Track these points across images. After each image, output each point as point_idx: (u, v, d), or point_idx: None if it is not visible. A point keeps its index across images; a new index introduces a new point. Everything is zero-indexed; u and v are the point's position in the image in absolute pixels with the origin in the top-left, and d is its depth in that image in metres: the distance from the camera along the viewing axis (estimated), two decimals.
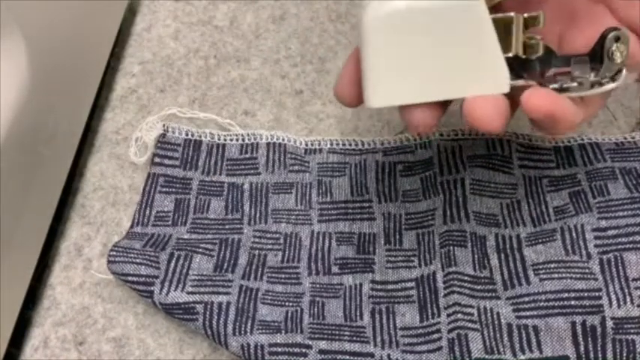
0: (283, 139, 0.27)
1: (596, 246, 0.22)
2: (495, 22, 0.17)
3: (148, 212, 0.25)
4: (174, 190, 0.25)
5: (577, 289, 0.21)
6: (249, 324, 0.21)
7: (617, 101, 0.28)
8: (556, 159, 0.25)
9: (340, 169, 0.26)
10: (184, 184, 0.26)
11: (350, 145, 0.26)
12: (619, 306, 0.20)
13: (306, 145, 0.26)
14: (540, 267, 0.22)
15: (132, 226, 0.24)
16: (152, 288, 0.22)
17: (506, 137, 0.25)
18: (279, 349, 0.21)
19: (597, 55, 0.18)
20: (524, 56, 0.18)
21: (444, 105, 0.18)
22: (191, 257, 0.23)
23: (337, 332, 0.21)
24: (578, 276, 0.21)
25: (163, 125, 0.27)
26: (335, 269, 0.23)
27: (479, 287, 0.21)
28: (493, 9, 0.19)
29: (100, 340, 0.23)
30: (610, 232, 0.22)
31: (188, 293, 0.22)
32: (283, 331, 0.21)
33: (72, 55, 0.27)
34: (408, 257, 0.23)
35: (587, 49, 0.19)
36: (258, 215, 0.25)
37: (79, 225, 0.26)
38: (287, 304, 0.22)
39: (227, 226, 0.24)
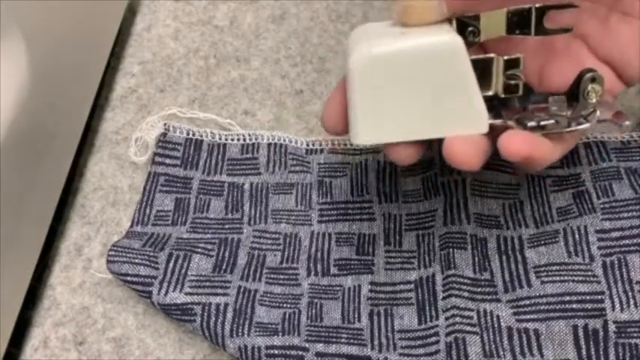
0: (284, 140, 0.26)
1: (599, 248, 0.21)
2: (476, 62, 0.18)
3: (148, 211, 0.25)
4: (174, 189, 0.25)
5: (579, 292, 0.20)
6: (246, 326, 0.21)
7: (617, 101, 0.28)
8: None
9: (341, 169, 0.26)
10: (185, 184, 0.26)
11: (351, 145, 0.26)
12: (622, 309, 0.20)
13: (307, 145, 0.26)
14: (542, 269, 0.21)
15: (132, 225, 0.24)
16: (151, 288, 0.22)
17: None
18: (276, 352, 0.20)
19: (574, 95, 0.19)
20: (503, 96, 0.19)
21: (426, 141, 0.19)
22: (190, 257, 0.23)
23: (335, 334, 0.21)
24: (580, 279, 0.21)
25: (164, 124, 0.27)
26: (334, 270, 0.23)
27: (479, 290, 0.21)
28: (479, 47, 0.20)
29: (100, 340, 0.23)
30: (614, 234, 0.21)
31: (186, 294, 0.22)
32: (280, 334, 0.21)
33: (72, 55, 0.27)
34: (407, 259, 0.23)
35: (566, 84, 0.20)
36: (258, 215, 0.24)
37: (79, 225, 0.26)
38: (285, 305, 0.22)
39: (227, 226, 0.24)
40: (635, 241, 0.21)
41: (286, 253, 0.23)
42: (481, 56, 0.19)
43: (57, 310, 0.24)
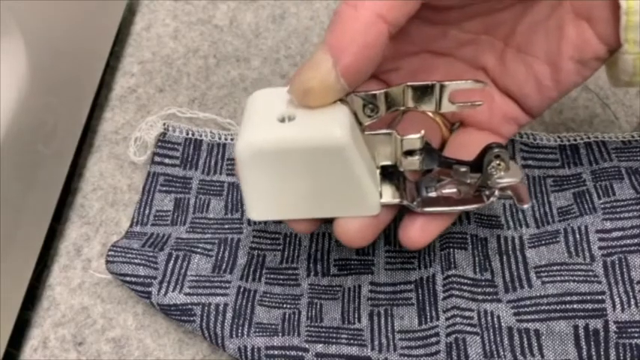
0: None
1: (600, 248, 0.21)
2: (377, 135, 0.19)
3: (147, 211, 0.25)
4: (174, 189, 0.25)
5: (580, 292, 0.20)
6: (246, 326, 0.21)
7: (618, 101, 0.28)
8: (561, 158, 0.24)
9: None
10: (184, 184, 0.25)
11: None
12: (623, 309, 0.20)
13: None
14: (542, 269, 0.21)
15: (131, 225, 0.24)
16: (150, 289, 0.22)
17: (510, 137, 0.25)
18: (276, 352, 0.20)
19: (478, 166, 0.19)
20: (402, 169, 0.19)
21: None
22: (189, 258, 0.23)
23: (335, 335, 0.21)
24: (581, 279, 0.21)
25: (164, 124, 0.27)
26: (334, 270, 0.23)
27: (479, 290, 0.21)
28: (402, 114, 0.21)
29: (99, 340, 0.23)
30: (614, 234, 0.21)
31: (186, 294, 0.22)
32: (280, 334, 0.21)
33: (71, 55, 0.27)
34: (407, 259, 0.23)
35: (475, 113, 0.20)
36: None
37: (78, 225, 0.26)
38: (285, 306, 0.22)
39: (226, 226, 0.24)
40: (635, 241, 0.21)
41: (286, 253, 0.23)
42: (380, 131, 0.19)
43: (56, 310, 0.24)
